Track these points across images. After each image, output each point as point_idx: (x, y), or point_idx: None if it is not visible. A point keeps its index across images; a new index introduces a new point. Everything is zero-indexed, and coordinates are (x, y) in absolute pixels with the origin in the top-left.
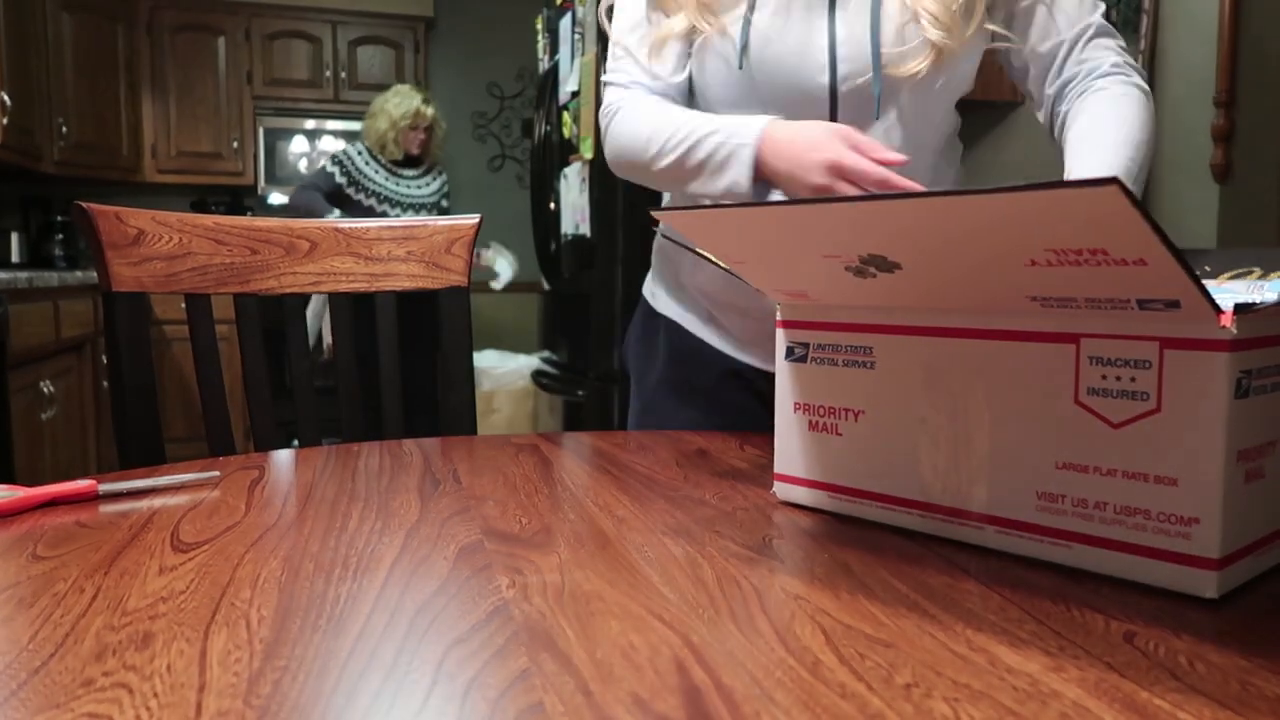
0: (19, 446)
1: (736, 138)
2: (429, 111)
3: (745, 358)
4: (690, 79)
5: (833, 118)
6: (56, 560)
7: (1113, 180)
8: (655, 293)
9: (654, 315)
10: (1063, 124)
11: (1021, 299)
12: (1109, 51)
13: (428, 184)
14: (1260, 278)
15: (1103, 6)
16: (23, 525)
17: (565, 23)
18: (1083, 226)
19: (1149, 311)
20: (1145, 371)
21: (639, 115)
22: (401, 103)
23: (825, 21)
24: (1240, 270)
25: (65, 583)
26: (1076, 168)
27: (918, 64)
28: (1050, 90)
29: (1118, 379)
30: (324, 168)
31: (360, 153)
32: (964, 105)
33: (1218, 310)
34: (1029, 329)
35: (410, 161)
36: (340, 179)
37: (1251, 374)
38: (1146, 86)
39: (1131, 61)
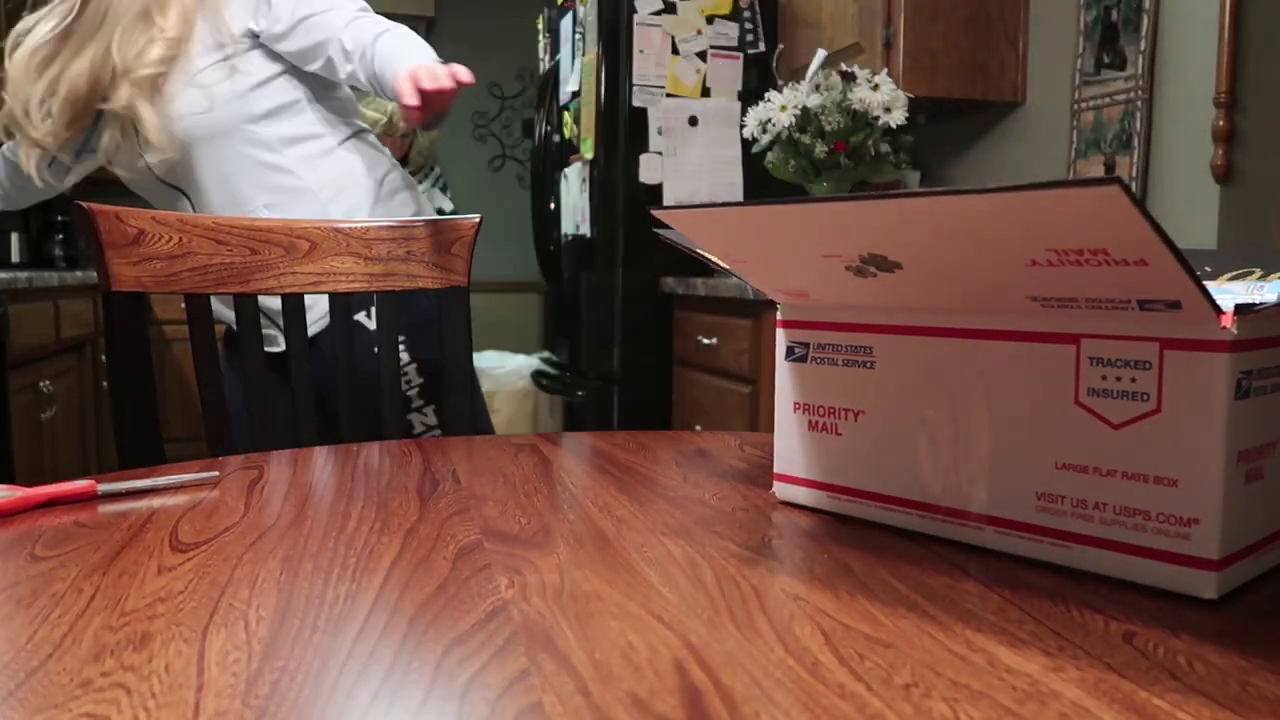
0: (19, 446)
1: None
2: (402, 123)
3: None
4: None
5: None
6: (55, 560)
7: (1114, 180)
8: None
9: None
10: (375, 76)
11: (1022, 299)
12: (374, 24)
13: (418, 183)
14: (1260, 278)
15: (365, 11)
16: (21, 525)
17: (566, 23)
18: (1084, 226)
19: (1149, 312)
20: (1145, 372)
21: None
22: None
23: None
24: (1240, 270)
25: (63, 583)
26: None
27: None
28: (356, 68)
29: (1118, 379)
30: None
31: None
32: (964, 105)
33: (1218, 311)
34: (1029, 329)
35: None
36: None
37: (1252, 374)
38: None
39: (390, 24)
